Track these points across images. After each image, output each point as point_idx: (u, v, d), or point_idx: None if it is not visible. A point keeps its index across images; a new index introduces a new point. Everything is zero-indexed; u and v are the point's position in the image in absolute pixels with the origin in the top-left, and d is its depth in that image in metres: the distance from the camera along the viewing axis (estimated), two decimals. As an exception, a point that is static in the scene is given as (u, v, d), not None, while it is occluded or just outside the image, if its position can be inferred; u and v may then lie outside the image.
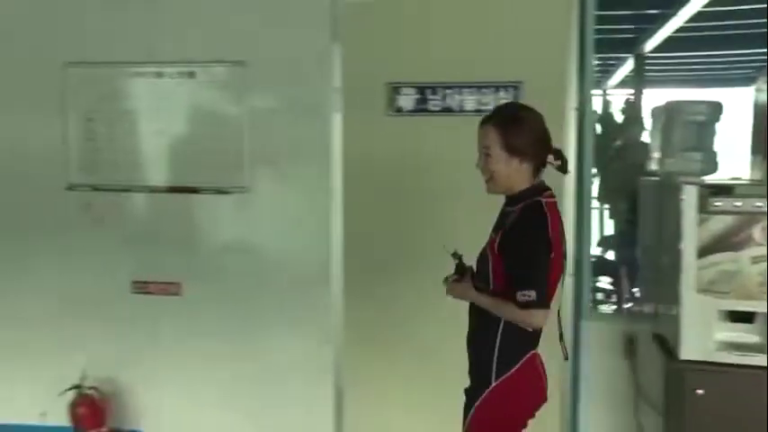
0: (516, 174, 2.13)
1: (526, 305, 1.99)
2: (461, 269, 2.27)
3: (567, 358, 2.49)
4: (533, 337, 2.16)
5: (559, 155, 2.21)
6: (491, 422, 2.16)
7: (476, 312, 2.21)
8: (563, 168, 2.23)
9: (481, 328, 2.18)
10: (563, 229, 2.19)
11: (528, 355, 2.15)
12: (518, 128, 2.13)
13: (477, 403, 2.15)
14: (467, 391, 2.24)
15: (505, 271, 2.09)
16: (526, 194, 2.13)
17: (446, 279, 2.30)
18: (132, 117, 3.32)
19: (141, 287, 3.37)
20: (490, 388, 2.12)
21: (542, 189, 2.16)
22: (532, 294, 1.99)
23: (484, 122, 2.18)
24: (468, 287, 2.21)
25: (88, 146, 3.33)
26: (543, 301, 2.02)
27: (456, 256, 2.26)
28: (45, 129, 3.32)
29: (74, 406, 3.26)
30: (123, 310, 3.38)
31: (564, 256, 2.19)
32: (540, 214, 2.08)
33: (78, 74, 3.27)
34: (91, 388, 3.28)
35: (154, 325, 3.36)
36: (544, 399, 2.23)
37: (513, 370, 2.11)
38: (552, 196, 2.17)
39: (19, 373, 3.42)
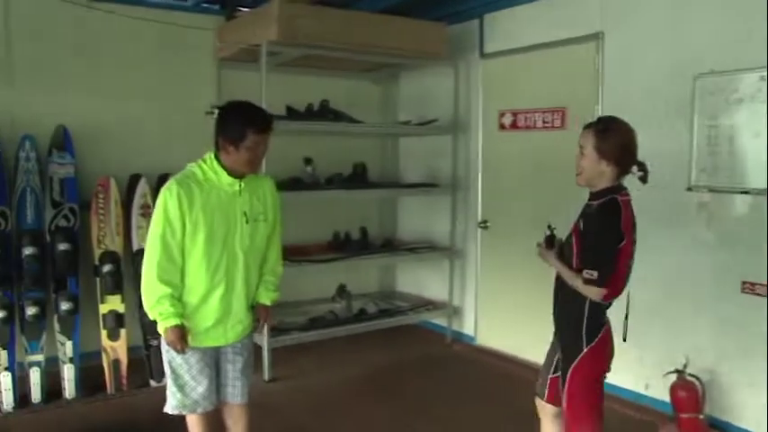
0: (601, 173, 2.52)
1: (588, 281, 2.47)
2: (551, 240, 2.74)
3: (625, 339, 2.73)
4: (606, 311, 2.59)
5: (642, 167, 2.56)
6: (585, 380, 2.56)
7: (563, 290, 2.63)
8: (644, 179, 2.57)
9: (569, 302, 2.60)
10: (635, 223, 2.52)
11: (605, 327, 2.60)
12: (609, 135, 2.51)
13: (573, 365, 2.56)
14: (562, 353, 2.64)
15: (580, 253, 2.55)
16: (606, 192, 2.52)
17: (538, 244, 2.77)
18: (742, 122, 3.49)
19: (749, 288, 3.44)
20: (583, 353, 2.54)
21: (620, 189, 2.53)
22: (595, 274, 2.45)
23: (586, 128, 2.57)
24: (553, 255, 2.68)
25: (708, 150, 3.61)
26: (603, 282, 2.45)
27: (549, 228, 2.77)
28: (674, 135, 3.75)
29: (675, 388, 3.56)
30: (730, 308, 3.53)
31: (634, 244, 2.52)
32: (616, 209, 2.47)
33: (705, 83, 3.61)
34: (692, 375, 3.53)
35: (759, 325, 3.38)
36: (612, 357, 2.65)
37: (597, 339, 2.55)
38: (627, 195, 2.54)
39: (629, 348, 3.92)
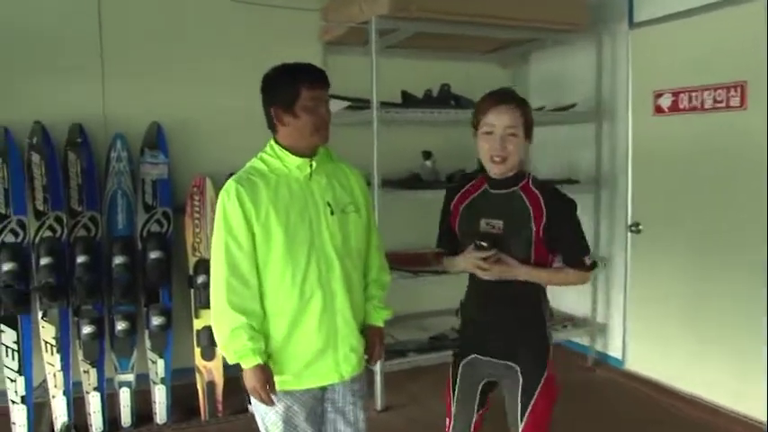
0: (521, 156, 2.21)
1: (593, 265, 2.28)
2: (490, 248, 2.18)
3: None
4: None
5: None
6: (549, 405, 2.24)
7: (517, 303, 2.24)
8: None
9: (528, 317, 2.25)
10: None
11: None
12: (528, 108, 2.24)
13: (538, 391, 2.20)
14: (523, 378, 2.22)
15: (555, 244, 2.20)
16: (521, 176, 2.24)
17: (482, 258, 2.18)
18: None
19: None
20: (546, 375, 2.23)
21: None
22: (590, 257, 2.26)
23: (505, 102, 2.20)
24: (516, 264, 2.19)
25: None
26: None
27: (487, 239, 2.19)
28: None
29: None
30: None
31: None
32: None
33: None
34: None
35: None
36: None
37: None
38: None
39: None
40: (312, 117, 2.07)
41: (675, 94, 3.89)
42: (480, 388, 2.33)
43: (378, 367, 3.74)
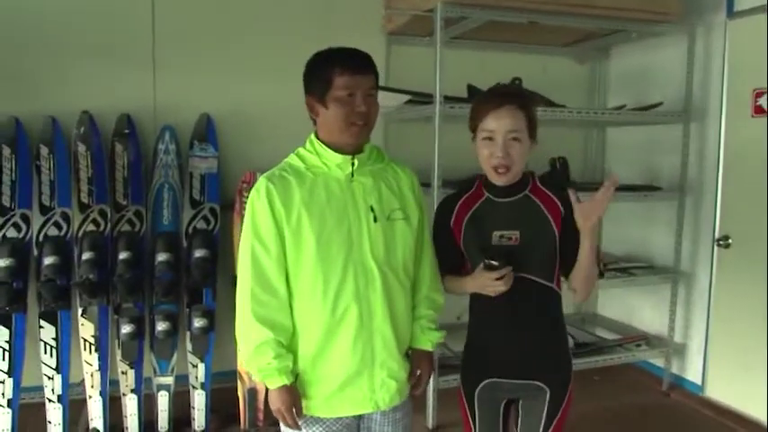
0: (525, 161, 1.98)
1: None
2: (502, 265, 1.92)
3: None
4: None
5: None
6: (564, 422, 2.07)
7: (531, 315, 2.02)
8: None
9: (553, 333, 2.07)
10: None
11: None
12: (532, 107, 1.99)
13: (562, 409, 2.04)
14: (551, 401, 2.03)
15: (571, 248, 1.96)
16: (526, 178, 2.03)
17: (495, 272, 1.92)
18: None
19: None
20: (567, 395, 2.06)
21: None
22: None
23: (506, 104, 1.92)
24: None
25: None
26: None
27: (498, 255, 1.93)
28: None
29: None
30: None
31: None
32: None
33: None
34: None
35: None
36: None
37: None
38: None
39: None
40: (343, 109, 1.79)
41: (779, 92, 3.43)
42: (502, 408, 2.11)
43: (431, 382, 3.45)
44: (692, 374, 4.10)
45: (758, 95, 3.54)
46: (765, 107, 3.50)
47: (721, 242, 3.78)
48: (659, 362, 4.23)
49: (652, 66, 4.36)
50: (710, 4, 3.84)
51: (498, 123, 1.91)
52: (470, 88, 3.81)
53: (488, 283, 1.93)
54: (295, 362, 1.83)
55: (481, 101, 2.01)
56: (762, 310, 3.54)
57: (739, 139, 3.70)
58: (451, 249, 2.08)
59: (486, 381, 2.08)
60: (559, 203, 2.00)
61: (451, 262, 2.09)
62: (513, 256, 1.94)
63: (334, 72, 1.78)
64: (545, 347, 2.05)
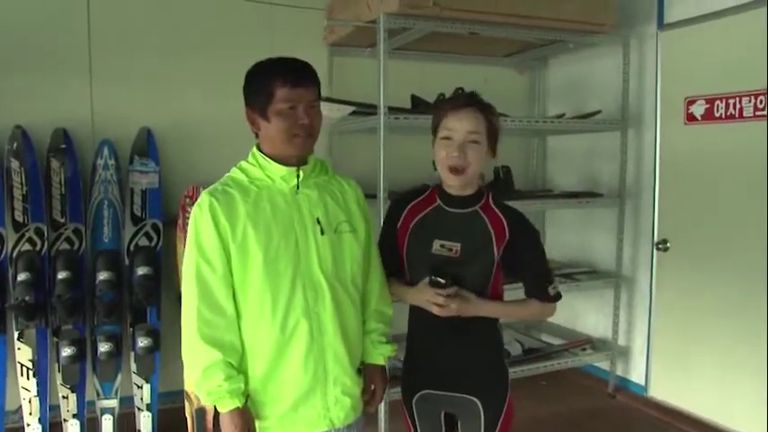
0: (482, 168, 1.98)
1: (557, 296, 2.05)
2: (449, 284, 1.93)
3: None
4: None
5: None
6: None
7: (467, 326, 1.98)
8: None
9: (485, 346, 2.06)
10: None
11: None
12: (495, 114, 2.00)
13: (500, 421, 2.04)
14: (485, 411, 2.02)
15: (516, 273, 2.05)
16: (480, 194, 2.03)
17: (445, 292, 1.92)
18: None
19: None
20: (506, 404, 2.06)
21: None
22: (557, 286, 2.05)
23: (467, 106, 1.95)
24: (475, 299, 1.97)
25: None
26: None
27: (445, 277, 1.92)
28: None
29: None
30: None
31: None
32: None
33: None
34: None
35: None
36: None
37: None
38: None
39: None
40: (286, 122, 1.77)
41: (710, 101, 3.57)
42: (443, 420, 2.10)
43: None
44: (636, 376, 4.20)
45: (690, 103, 3.68)
46: (697, 115, 3.64)
47: (660, 246, 3.90)
48: (604, 365, 4.33)
49: (589, 75, 4.48)
50: (642, 17, 3.98)
51: (459, 123, 1.93)
52: (414, 99, 3.84)
53: (432, 299, 1.93)
54: (246, 382, 1.78)
55: (445, 101, 2.06)
56: (700, 310, 3.67)
57: (674, 146, 3.83)
58: (396, 253, 2.08)
59: (421, 392, 2.08)
60: (507, 228, 1.99)
61: (395, 265, 2.08)
62: (459, 276, 1.94)
63: (275, 85, 1.76)
64: (477, 361, 2.04)
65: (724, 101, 3.49)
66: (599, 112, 4.19)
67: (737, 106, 3.42)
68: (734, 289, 3.48)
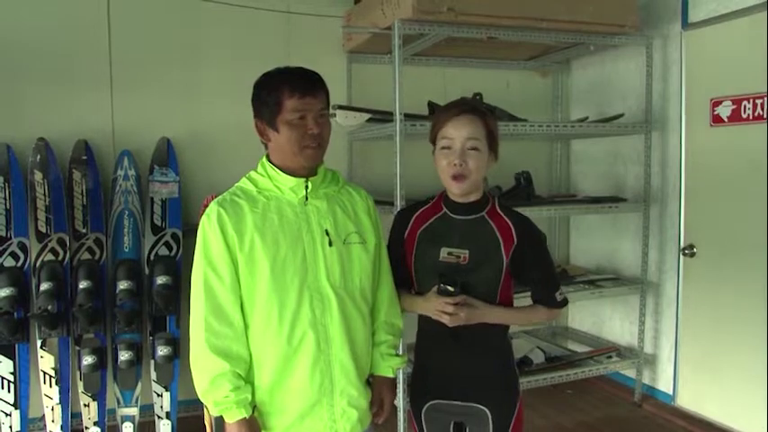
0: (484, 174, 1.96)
1: (564, 302, 2.07)
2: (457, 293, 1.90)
3: None
4: None
5: None
6: None
7: (477, 336, 1.97)
8: None
9: (493, 353, 2.03)
10: None
11: None
12: (494, 121, 1.96)
13: (510, 428, 2.01)
14: (494, 420, 1.99)
15: (523, 278, 2.03)
16: (485, 200, 2.02)
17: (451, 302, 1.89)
18: None
19: None
20: (516, 413, 2.03)
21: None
22: (563, 292, 2.06)
23: (465, 113, 1.91)
24: (484, 306, 1.94)
25: None
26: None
27: (446, 286, 1.90)
28: None
29: None
30: None
31: None
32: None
33: None
34: None
35: None
36: None
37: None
38: None
39: None
40: (295, 133, 1.76)
41: (737, 101, 3.47)
42: (452, 430, 2.07)
43: (401, 403, 3.40)
44: (664, 384, 4.10)
45: (716, 105, 3.58)
46: (723, 116, 3.55)
47: (687, 251, 3.80)
48: (630, 373, 4.22)
49: (612, 77, 4.39)
50: (666, 17, 3.89)
51: (457, 131, 1.90)
52: (431, 105, 3.80)
53: (441, 308, 1.90)
54: (252, 393, 1.78)
55: (441, 110, 2.01)
56: (728, 317, 3.57)
57: (699, 149, 3.74)
58: (403, 264, 2.06)
59: (430, 402, 2.05)
60: (515, 234, 1.97)
61: (403, 276, 2.06)
62: (468, 284, 1.92)
63: (283, 95, 1.75)
64: (486, 370, 2.01)
65: (751, 101, 3.39)
66: (622, 115, 4.11)
67: (765, 106, 3.32)
68: (763, 295, 3.37)
